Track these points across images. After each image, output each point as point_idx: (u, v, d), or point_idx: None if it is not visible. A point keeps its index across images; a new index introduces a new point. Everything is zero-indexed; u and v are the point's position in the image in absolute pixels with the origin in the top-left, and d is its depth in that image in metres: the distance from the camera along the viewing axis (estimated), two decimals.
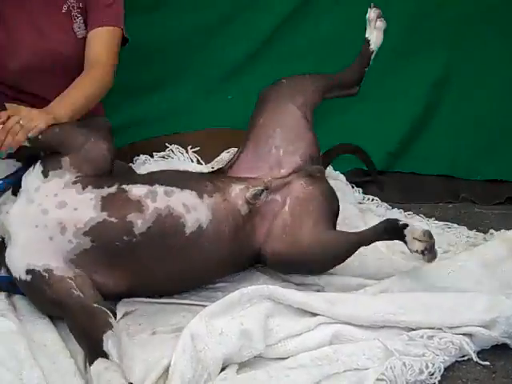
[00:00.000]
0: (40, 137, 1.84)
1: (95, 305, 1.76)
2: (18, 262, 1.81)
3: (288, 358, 1.69)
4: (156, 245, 1.83)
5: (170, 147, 2.74)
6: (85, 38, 2.20)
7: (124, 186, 1.86)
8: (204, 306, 1.86)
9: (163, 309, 1.92)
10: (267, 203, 1.98)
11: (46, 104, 2.01)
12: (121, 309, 1.88)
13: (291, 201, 1.99)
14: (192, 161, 2.69)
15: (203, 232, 1.88)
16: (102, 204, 1.82)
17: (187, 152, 2.73)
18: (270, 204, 1.98)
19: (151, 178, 1.92)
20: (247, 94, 2.85)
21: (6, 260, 1.84)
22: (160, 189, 1.88)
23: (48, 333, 1.79)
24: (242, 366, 1.69)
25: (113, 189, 1.85)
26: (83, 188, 1.84)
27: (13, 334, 1.73)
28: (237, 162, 2.09)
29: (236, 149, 2.60)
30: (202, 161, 2.69)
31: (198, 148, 2.72)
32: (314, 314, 1.77)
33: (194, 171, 2.20)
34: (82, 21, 2.21)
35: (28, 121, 1.82)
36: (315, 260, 1.94)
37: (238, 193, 1.96)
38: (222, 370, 1.65)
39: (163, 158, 2.71)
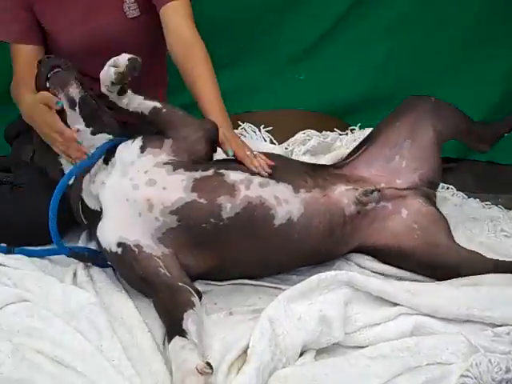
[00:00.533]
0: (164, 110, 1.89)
1: (180, 284, 1.76)
2: (110, 234, 1.82)
3: (367, 346, 1.66)
4: (242, 231, 1.82)
5: (243, 125, 2.72)
6: (136, 18, 2.17)
7: (222, 171, 1.86)
8: (279, 288, 1.88)
9: (239, 289, 1.91)
10: (377, 209, 1.95)
11: (94, 83, 1.97)
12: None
13: (410, 212, 1.96)
14: (265, 140, 2.67)
15: (293, 224, 1.85)
16: (193, 185, 1.81)
17: (260, 131, 2.70)
18: (382, 210, 1.96)
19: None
20: (319, 74, 2.87)
21: (98, 232, 1.85)
22: (256, 179, 1.86)
23: (125, 306, 1.80)
24: (320, 352, 1.67)
25: (209, 172, 1.85)
26: (174, 169, 1.83)
27: (92, 305, 1.74)
28: (357, 159, 2.06)
29: (312, 131, 2.64)
30: (274, 141, 2.67)
31: (271, 128, 2.70)
32: (394, 304, 1.74)
33: (299, 162, 2.14)
34: (132, 0, 2.16)
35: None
36: (446, 266, 1.91)
37: (343, 191, 1.93)
38: (300, 355, 1.64)
39: None
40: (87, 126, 1.92)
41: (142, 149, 1.87)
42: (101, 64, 1.97)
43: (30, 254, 1.98)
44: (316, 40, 2.85)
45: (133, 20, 2.17)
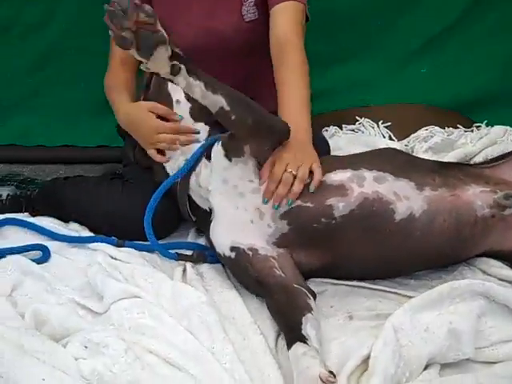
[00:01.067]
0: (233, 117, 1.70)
1: (296, 285, 1.68)
2: (223, 239, 1.78)
3: (497, 363, 1.52)
4: (359, 227, 1.72)
5: (361, 120, 2.63)
6: (252, 21, 2.10)
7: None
8: (397, 293, 1.76)
9: (354, 291, 1.80)
10: None
11: None
12: None
13: None
14: (384, 136, 2.57)
15: (415, 221, 1.73)
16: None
17: (378, 126, 2.60)
18: None
19: (359, 162, 1.79)
20: (442, 68, 2.75)
21: (210, 234, 1.81)
22: (369, 174, 1.75)
23: (236, 305, 1.72)
24: (445, 366, 1.54)
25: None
26: None
27: (203, 304, 1.66)
28: (503, 164, 1.90)
29: (435, 127, 2.50)
30: (393, 137, 2.55)
31: (390, 123, 2.58)
32: None
33: (430, 161, 1.98)
34: (251, 3, 2.09)
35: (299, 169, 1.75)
36: None
37: (477, 193, 1.78)
38: (424, 368, 1.51)
39: (353, 131, 2.59)
40: (187, 98, 1.90)
41: (228, 157, 1.77)
42: (214, 63, 1.99)
43: (140, 248, 1.93)
44: (440, 32, 2.73)
45: (250, 23, 2.11)
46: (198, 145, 1.89)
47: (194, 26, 2.12)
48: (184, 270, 1.83)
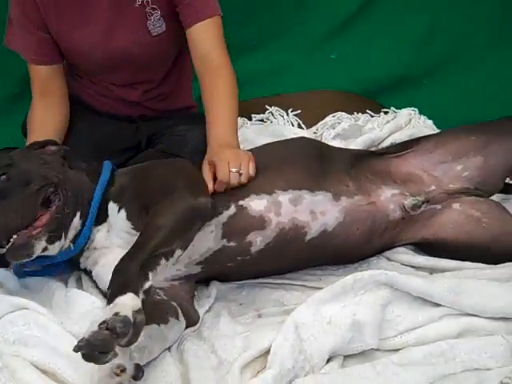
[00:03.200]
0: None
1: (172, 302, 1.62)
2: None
3: (398, 351, 1.50)
4: (272, 255, 1.71)
5: (270, 109, 2.61)
6: (161, 35, 2.04)
7: (241, 203, 1.69)
8: (304, 285, 1.75)
9: (262, 287, 1.77)
10: (424, 212, 1.80)
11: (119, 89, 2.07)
12: (218, 287, 1.76)
13: (464, 206, 1.80)
14: (293, 124, 2.55)
15: (327, 235, 1.72)
16: (222, 232, 1.68)
17: (288, 115, 2.58)
18: (429, 211, 1.81)
19: (272, 181, 1.73)
20: (351, 53, 2.74)
21: (95, 275, 1.70)
22: (285, 197, 1.70)
23: None
24: (349, 357, 1.51)
25: (231, 210, 1.68)
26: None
27: (97, 310, 1.60)
28: (407, 154, 1.87)
29: (342, 113, 2.48)
30: (303, 125, 2.55)
31: (300, 111, 2.56)
32: (436, 304, 1.57)
33: (340, 153, 1.91)
34: (157, 17, 2.01)
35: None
36: None
37: (389, 197, 1.78)
38: (328, 361, 1.48)
39: (262, 121, 2.57)
40: None
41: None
42: (123, 74, 2.06)
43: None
44: (348, 17, 2.72)
45: (157, 36, 2.04)
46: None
47: (99, 45, 2.03)
48: (79, 278, 1.76)
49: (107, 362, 1.26)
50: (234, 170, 1.69)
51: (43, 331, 1.50)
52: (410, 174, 1.83)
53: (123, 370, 1.32)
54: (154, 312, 1.51)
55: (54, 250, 1.62)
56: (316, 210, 1.71)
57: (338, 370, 1.45)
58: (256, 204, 1.69)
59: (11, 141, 2.67)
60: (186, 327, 1.61)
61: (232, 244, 1.68)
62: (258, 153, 1.83)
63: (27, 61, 2.08)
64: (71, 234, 1.66)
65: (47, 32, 2.04)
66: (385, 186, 1.79)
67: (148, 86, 2.17)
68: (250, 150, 1.90)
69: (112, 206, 1.68)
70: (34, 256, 1.56)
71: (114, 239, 1.69)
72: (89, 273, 1.72)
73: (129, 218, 1.65)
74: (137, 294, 1.32)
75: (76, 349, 1.25)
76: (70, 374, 1.40)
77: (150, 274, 1.41)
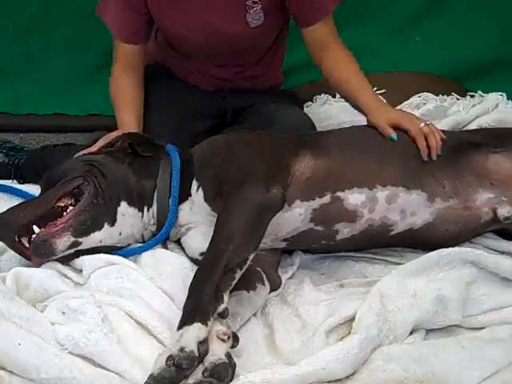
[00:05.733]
0: None
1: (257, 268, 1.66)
2: (196, 246, 1.71)
3: (482, 328, 1.50)
4: (353, 243, 1.74)
5: None
6: (259, 27, 2.06)
7: (339, 194, 1.68)
8: (386, 260, 1.75)
9: (343, 259, 1.79)
10: None
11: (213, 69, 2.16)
12: (302, 257, 1.79)
13: None
14: None
15: (412, 231, 1.72)
16: (311, 216, 1.69)
17: None
18: None
19: (374, 173, 1.71)
20: (436, 36, 2.72)
21: (183, 241, 1.76)
22: (382, 193, 1.69)
23: None
24: (430, 331, 1.53)
25: (325, 199, 1.68)
26: (289, 204, 1.67)
27: (186, 270, 1.65)
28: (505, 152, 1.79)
29: (428, 94, 2.46)
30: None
31: (384, 91, 2.53)
32: None
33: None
34: (258, 10, 2.04)
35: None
36: None
37: (484, 201, 1.73)
38: (410, 334, 1.50)
39: None
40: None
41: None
42: (216, 60, 2.13)
43: None
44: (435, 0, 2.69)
45: (255, 28, 2.07)
46: None
47: (196, 34, 2.08)
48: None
49: None
50: (421, 124, 1.77)
51: (136, 285, 1.54)
52: (508, 175, 1.76)
53: (229, 337, 1.38)
54: (243, 278, 1.53)
55: (92, 240, 1.64)
56: (407, 211, 1.69)
57: (421, 341, 1.46)
58: (354, 198, 1.68)
59: (95, 108, 2.78)
60: (270, 292, 1.65)
61: (319, 228, 1.69)
62: (355, 134, 1.84)
63: (114, 36, 2.14)
64: (124, 220, 1.69)
65: (142, 13, 2.08)
66: (482, 188, 1.74)
67: (242, 68, 2.21)
68: (348, 129, 1.94)
69: (195, 183, 1.72)
70: (61, 254, 1.60)
71: (197, 216, 1.73)
72: (175, 241, 1.78)
73: (206, 200, 1.69)
74: (205, 322, 1.35)
75: None
76: (161, 331, 1.43)
77: (225, 296, 1.43)
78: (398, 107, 2.46)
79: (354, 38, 2.70)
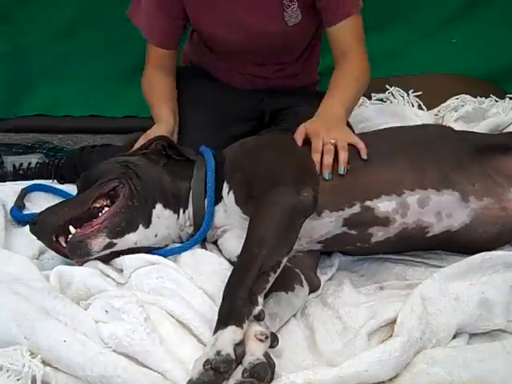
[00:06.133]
0: None
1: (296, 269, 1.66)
2: (233, 249, 1.70)
3: None
4: (389, 246, 1.73)
5: (390, 89, 2.56)
6: (296, 25, 2.06)
7: (368, 203, 1.67)
8: (425, 263, 1.74)
9: (383, 261, 1.78)
10: None
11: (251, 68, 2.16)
12: (340, 258, 1.78)
13: None
14: (412, 105, 2.50)
15: (450, 233, 1.70)
16: (343, 223, 1.68)
17: (408, 95, 2.53)
18: None
19: (401, 178, 1.68)
20: (473, 38, 2.70)
21: (219, 243, 1.77)
22: (413, 198, 1.67)
23: None
24: (474, 335, 1.50)
25: (355, 209, 1.67)
26: (319, 214, 1.66)
27: (225, 270, 1.63)
28: None
29: (466, 96, 2.44)
30: (423, 106, 2.50)
31: (420, 93, 2.52)
32: None
33: (461, 144, 1.79)
34: (295, 8, 2.04)
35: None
36: None
37: None
38: (453, 338, 1.48)
39: (381, 100, 2.54)
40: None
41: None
42: (254, 59, 2.13)
43: None
44: (471, 2, 2.70)
45: (293, 27, 2.07)
46: None
47: (234, 34, 2.08)
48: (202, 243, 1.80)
49: None
50: (329, 141, 1.70)
51: (177, 285, 1.55)
52: None
53: (267, 337, 1.38)
54: (281, 279, 1.53)
55: (127, 241, 1.66)
56: (443, 212, 1.68)
57: (465, 346, 1.45)
58: (384, 206, 1.66)
59: (131, 110, 2.80)
60: (309, 293, 1.65)
61: (353, 232, 1.69)
62: (381, 138, 1.82)
63: (147, 39, 2.15)
64: (159, 222, 1.70)
65: (174, 18, 2.09)
66: None
67: (280, 66, 2.21)
68: (372, 132, 1.90)
69: (226, 186, 1.72)
70: (97, 254, 1.62)
71: (231, 219, 1.73)
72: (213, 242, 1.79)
73: (237, 203, 1.68)
74: (240, 325, 1.36)
75: None
76: (203, 332, 1.44)
77: (260, 299, 1.43)
78: (435, 110, 2.47)
79: (390, 39, 2.74)
